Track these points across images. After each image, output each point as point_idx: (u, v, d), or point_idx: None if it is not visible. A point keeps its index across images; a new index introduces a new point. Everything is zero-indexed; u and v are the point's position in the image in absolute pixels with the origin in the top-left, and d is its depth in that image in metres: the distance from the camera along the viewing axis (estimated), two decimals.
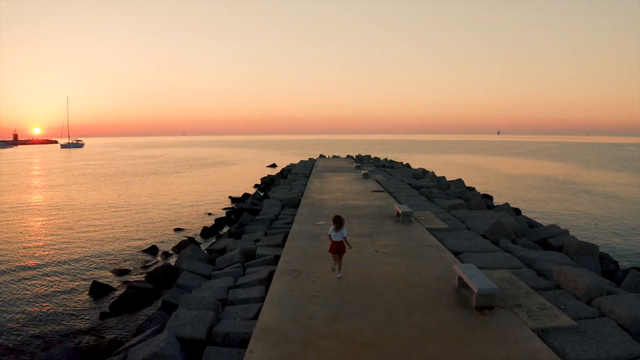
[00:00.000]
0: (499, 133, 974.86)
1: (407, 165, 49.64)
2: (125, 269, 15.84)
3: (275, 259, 12.71)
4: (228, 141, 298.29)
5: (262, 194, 32.03)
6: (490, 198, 30.77)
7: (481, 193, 31.54)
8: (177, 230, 21.82)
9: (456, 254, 12.54)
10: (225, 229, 22.07)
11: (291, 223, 17.29)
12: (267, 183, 39.89)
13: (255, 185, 39.82)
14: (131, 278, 15.15)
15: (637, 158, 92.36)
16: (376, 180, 29.52)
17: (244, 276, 11.93)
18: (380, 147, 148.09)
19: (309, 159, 59.01)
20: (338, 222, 9.61)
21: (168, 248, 18.55)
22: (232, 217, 24.11)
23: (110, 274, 15.52)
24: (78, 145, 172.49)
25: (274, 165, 64.02)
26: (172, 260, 16.70)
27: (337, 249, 9.80)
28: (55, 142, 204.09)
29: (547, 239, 15.68)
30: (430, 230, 15.03)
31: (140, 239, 20.10)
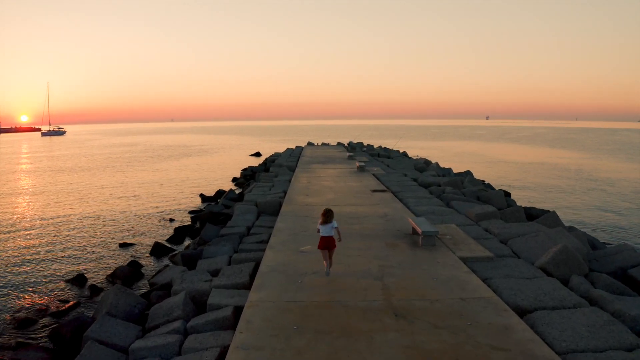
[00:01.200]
0: (487, 118, 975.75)
1: (405, 154, 44.93)
2: (28, 319, 10.95)
3: (235, 315, 8.07)
4: (216, 127, 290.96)
5: (239, 191, 27.22)
6: (508, 195, 26.21)
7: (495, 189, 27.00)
8: (123, 246, 16.90)
9: (522, 312, 7.90)
10: (187, 242, 17.26)
11: (266, 242, 12.57)
12: (247, 176, 34.99)
13: (234, 179, 34.88)
14: (33, 333, 10.33)
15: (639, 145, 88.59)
16: (374, 175, 24.79)
17: (178, 357, 7.28)
18: (371, 133, 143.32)
19: (296, 146, 54.00)
20: (326, 216, 8.75)
21: (100, 278, 13.67)
22: (197, 225, 19.29)
23: (6, 328, 10.65)
24: (60, 133, 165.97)
25: (257, 154, 58.95)
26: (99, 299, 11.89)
27: (327, 245, 8.75)
28: (40, 129, 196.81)
29: (628, 271, 11.03)
30: (465, 260, 10.33)
31: (70, 262, 15.20)
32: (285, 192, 19.84)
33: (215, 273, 11.09)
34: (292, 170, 28.25)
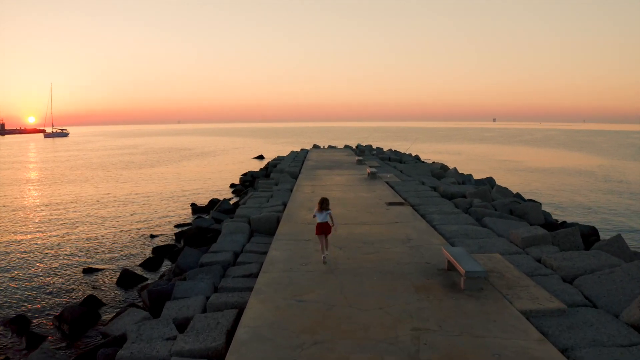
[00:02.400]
0: (494, 120, 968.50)
1: (417, 158, 41.87)
2: None
3: None
4: (222, 129, 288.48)
5: (235, 200, 24.40)
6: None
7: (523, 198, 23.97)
8: (88, 272, 13.98)
9: None
10: (165, 267, 14.36)
11: (256, 275, 9.69)
12: (246, 183, 32.11)
13: (232, 186, 31.98)
14: None
15: None
16: (387, 183, 21.84)
17: None
18: (378, 136, 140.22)
19: (301, 149, 51.07)
20: (322, 204, 9.43)
21: (47, 319, 10.80)
22: (181, 244, 16.40)
23: None
24: (63, 134, 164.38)
25: (260, 157, 56.08)
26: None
27: (323, 230, 9.43)
28: (45, 131, 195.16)
29: None
30: (529, 315, 7.37)
31: (18, 295, 12.34)
32: (285, 205, 16.93)
33: (183, 324, 8.22)
34: (295, 177, 25.32)
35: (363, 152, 40.50)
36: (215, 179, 35.79)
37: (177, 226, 19.72)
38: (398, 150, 52.85)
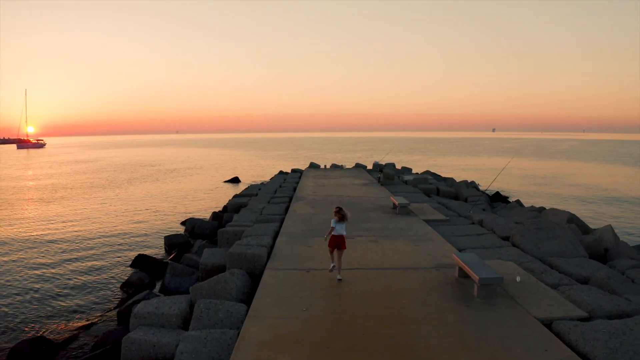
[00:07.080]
0: (494, 130, 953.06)
1: (475, 187, 26.15)
2: None
3: None
4: (218, 139, 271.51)
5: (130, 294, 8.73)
6: None
7: None
8: None
9: None
10: None
11: None
12: (173, 251, 16.34)
13: (137, 261, 14.88)
14: None
15: None
16: (557, 333, 6.37)
17: None
18: (387, 147, 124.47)
19: (292, 170, 35.26)
20: (342, 214, 8.44)
21: None
22: None
23: None
24: (39, 145, 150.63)
25: (235, 181, 40.16)
26: None
27: (338, 242, 8.50)
28: (37, 141, 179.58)
29: None
30: None
31: None
32: None
33: None
34: (260, 265, 9.71)
35: (391, 179, 24.71)
36: (158, 220, 19.74)
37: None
38: (431, 170, 37.49)
